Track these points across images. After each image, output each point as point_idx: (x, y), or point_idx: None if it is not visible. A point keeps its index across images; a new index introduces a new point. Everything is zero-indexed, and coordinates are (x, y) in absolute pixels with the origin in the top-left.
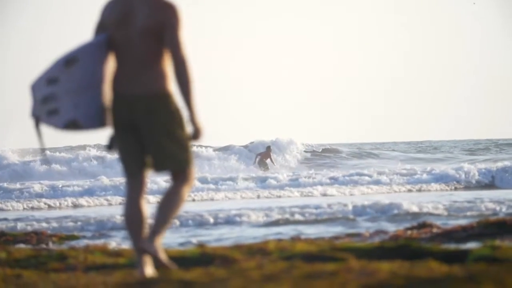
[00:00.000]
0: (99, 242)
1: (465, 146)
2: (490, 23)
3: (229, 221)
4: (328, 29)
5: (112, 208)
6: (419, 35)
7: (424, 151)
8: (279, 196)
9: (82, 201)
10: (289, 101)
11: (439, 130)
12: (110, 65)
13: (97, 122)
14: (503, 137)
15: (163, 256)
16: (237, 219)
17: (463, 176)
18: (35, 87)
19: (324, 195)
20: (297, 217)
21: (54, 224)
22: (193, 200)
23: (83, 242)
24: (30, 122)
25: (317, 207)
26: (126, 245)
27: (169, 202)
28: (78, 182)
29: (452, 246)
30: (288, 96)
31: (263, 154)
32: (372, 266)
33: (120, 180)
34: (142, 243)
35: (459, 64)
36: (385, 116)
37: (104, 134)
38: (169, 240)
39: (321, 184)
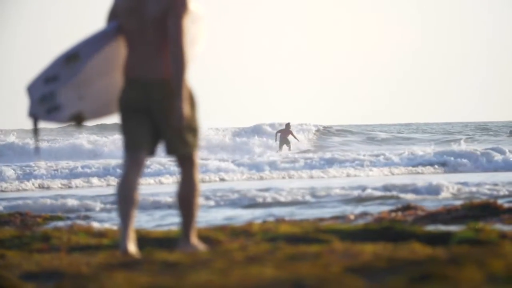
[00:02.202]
0: (84, 223)
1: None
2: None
3: (218, 203)
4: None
5: (97, 189)
6: (428, 21)
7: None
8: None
9: (71, 182)
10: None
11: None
12: (121, 53)
13: (104, 112)
14: None
15: (202, 247)
16: (216, 202)
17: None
18: (32, 88)
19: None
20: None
21: (38, 205)
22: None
23: (67, 223)
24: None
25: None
26: (110, 226)
27: (188, 195)
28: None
29: (436, 228)
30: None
31: (282, 131)
32: (356, 248)
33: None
34: (179, 246)
35: (474, 46)
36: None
37: None
38: (156, 222)
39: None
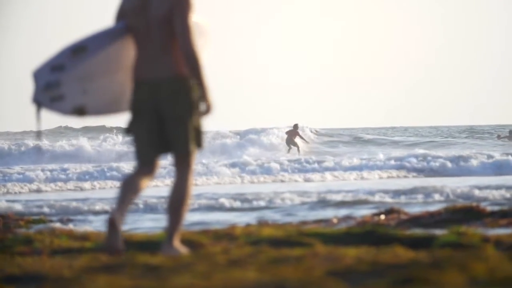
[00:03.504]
0: (66, 226)
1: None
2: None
3: (201, 207)
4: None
5: (81, 193)
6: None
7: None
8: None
9: (52, 186)
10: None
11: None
12: (128, 52)
13: (106, 110)
14: None
15: (184, 251)
16: (211, 204)
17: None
18: (38, 74)
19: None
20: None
21: (21, 208)
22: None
23: (50, 226)
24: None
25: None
26: (93, 229)
27: (179, 197)
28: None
29: (418, 232)
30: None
31: (289, 132)
32: (339, 252)
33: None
34: (162, 249)
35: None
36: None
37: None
38: (138, 224)
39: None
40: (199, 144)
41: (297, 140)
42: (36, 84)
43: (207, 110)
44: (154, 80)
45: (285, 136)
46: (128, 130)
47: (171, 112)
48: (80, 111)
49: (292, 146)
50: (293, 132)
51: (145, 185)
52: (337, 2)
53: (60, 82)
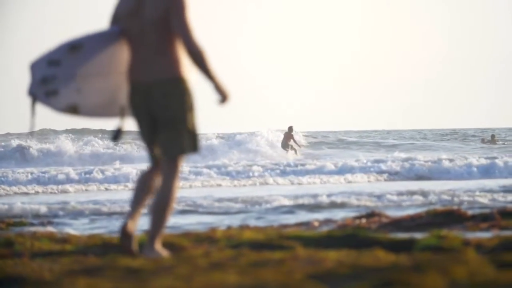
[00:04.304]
0: (47, 229)
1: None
2: None
3: (181, 210)
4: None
5: (61, 196)
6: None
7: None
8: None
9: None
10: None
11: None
12: (123, 57)
13: (98, 112)
14: None
15: (166, 254)
16: (191, 207)
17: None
18: (35, 67)
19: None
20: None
21: (2, 210)
22: None
23: (31, 229)
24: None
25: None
26: (74, 232)
27: (163, 200)
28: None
29: (399, 235)
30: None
31: (285, 134)
32: (319, 255)
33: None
34: (144, 251)
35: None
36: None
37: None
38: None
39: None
40: (194, 147)
41: (292, 142)
42: (32, 76)
43: (224, 100)
44: (147, 83)
45: (277, 138)
46: (115, 137)
47: (162, 115)
48: (72, 110)
49: (288, 149)
50: (288, 135)
51: (153, 183)
52: (322, 5)
53: (56, 77)
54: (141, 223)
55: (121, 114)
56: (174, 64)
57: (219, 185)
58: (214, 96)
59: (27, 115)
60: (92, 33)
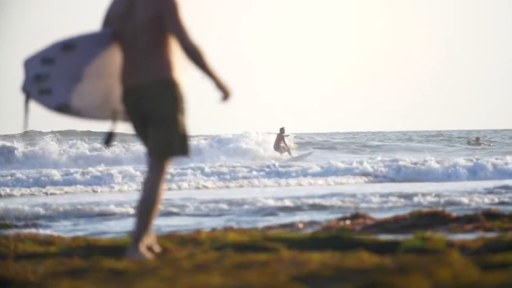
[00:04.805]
0: (31, 231)
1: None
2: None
3: (165, 212)
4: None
5: (44, 198)
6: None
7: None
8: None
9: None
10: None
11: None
12: (116, 59)
13: (89, 114)
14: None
15: (150, 255)
16: (174, 209)
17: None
18: (29, 64)
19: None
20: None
21: None
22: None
23: (14, 231)
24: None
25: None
26: (57, 234)
27: (148, 202)
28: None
29: (384, 237)
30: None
31: (277, 135)
32: (303, 257)
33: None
34: (127, 252)
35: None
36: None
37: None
38: (104, 228)
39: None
40: (184, 150)
41: (283, 144)
42: (26, 73)
43: (226, 97)
44: (139, 86)
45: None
46: (107, 141)
47: (153, 116)
48: (64, 109)
49: (281, 151)
50: (279, 137)
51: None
52: (313, 7)
53: (49, 75)
54: (127, 225)
55: (113, 117)
56: (165, 67)
57: (206, 187)
58: (216, 94)
59: (12, 116)
60: (85, 33)
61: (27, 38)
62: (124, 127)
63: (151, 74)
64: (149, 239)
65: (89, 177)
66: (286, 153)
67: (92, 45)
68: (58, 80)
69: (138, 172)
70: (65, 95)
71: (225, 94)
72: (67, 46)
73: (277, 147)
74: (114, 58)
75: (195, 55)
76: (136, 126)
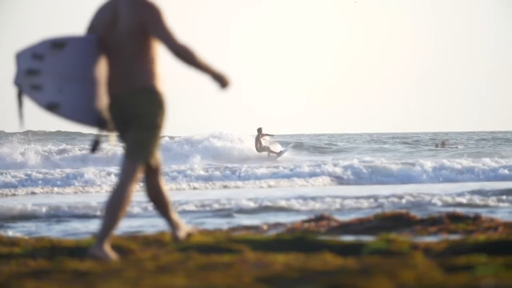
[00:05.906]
0: None
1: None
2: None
3: (133, 213)
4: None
5: (10, 199)
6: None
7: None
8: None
9: None
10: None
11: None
12: (102, 67)
13: (78, 117)
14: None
15: (114, 256)
16: (140, 210)
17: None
18: (20, 57)
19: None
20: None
21: None
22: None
23: None
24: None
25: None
26: (22, 235)
27: (116, 202)
28: None
29: (348, 239)
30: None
31: (256, 138)
32: (268, 258)
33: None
34: (91, 249)
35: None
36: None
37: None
38: (68, 230)
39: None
40: (152, 155)
41: (265, 144)
42: (18, 67)
43: (224, 85)
44: (122, 93)
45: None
46: (93, 148)
47: (131, 121)
48: (53, 108)
49: (266, 152)
50: (258, 137)
51: (162, 183)
52: (292, 6)
53: (40, 71)
54: (94, 227)
55: (100, 125)
56: (148, 76)
57: (179, 189)
58: (213, 85)
59: None
60: (75, 35)
61: (14, 35)
62: (110, 135)
63: (134, 82)
64: (182, 231)
65: (54, 177)
66: (271, 153)
67: (81, 46)
68: (48, 78)
69: (104, 172)
70: (56, 94)
71: (223, 83)
72: (57, 45)
73: (259, 148)
74: (102, 64)
75: (187, 56)
76: (121, 134)
